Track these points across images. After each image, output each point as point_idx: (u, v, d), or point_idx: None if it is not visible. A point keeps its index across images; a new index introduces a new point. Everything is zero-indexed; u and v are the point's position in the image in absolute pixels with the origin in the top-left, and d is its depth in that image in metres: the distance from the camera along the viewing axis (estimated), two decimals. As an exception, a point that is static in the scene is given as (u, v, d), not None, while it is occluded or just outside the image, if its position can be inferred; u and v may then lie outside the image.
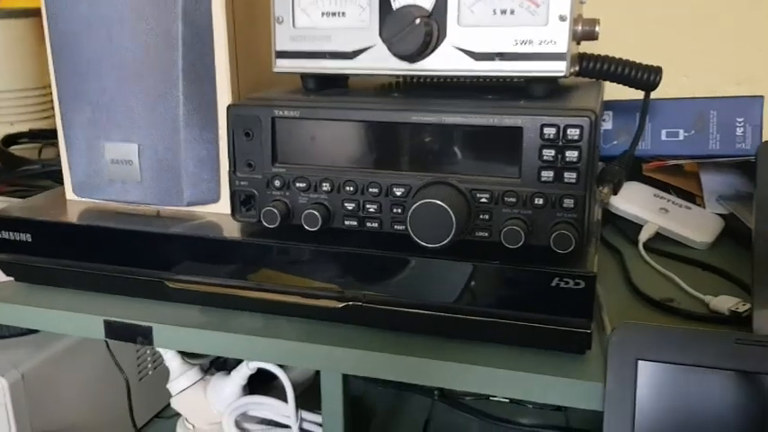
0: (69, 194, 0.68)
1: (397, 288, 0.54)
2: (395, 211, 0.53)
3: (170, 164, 0.62)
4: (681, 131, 0.77)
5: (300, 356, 0.55)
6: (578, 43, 0.57)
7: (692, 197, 0.81)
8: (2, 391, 0.71)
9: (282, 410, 0.72)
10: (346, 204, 0.54)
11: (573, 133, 0.48)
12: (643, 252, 0.71)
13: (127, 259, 0.61)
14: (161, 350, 0.79)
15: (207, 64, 0.60)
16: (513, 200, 0.50)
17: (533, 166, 0.50)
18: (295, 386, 0.71)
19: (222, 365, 0.80)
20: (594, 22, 0.55)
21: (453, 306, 0.53)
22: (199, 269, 0.59)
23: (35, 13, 0.95)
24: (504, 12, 0.52)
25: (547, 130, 0.49)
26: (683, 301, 0.61)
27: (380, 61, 0.55)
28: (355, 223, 0.55)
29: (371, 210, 0.54)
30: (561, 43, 0.52)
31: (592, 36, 0.55)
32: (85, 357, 0.82)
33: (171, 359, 0.76)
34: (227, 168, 0.57)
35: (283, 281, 0.57)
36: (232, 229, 0.59)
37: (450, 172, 0.52)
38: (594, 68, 0.60)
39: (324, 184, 0.54)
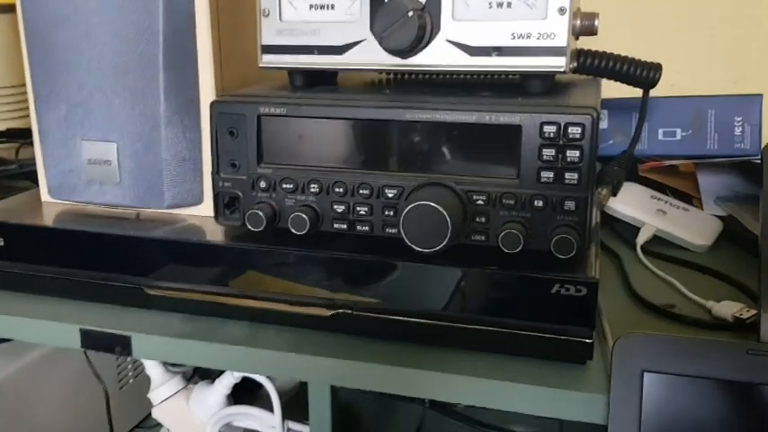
0: (45, 196, 0.67)
1: (389, 295, 0.53)
2: (386, 213, 0.52)
3: (150, 164, 0.61)
4: (678, 131, 0.77)
5: (287, 368, 0.54)
6: (577, 38, 0.56)
7: (689, 198, 0.80)
8: (-27, 401, 0.70)
9: (268, 421, 0.71)
10: (335, 207, 0.53)
11: (574, 132, 0.47)
12: (641, 255, 0.70)
13: (104, 265, 0.59)
14: (142, 358, 0.78)
15: (189, 59, 0.59)
16: (512, 202, 0.49)
17: (532, 166, 0.48)
18: (281, 394, 0.70)
19: (206, 374, 0.79)
20: (594, 15, 0.54)
21: (448, 314, 0.52)
22: (180, 275, 0.58)
23: (12, 8, 0.93)
24: (500, 4, 0.51)
25: (547, 129, 0.47)
26: (684, 307, 0.60)
27: (371, 56, 0.54)
28: (345, 226, 0.53)
29: (362, 212, 0.52)
30: (561, 37, 0.50)
31: (591, 30, 0.54)
32: (62, 366, 0.81)
33: (152, 367, 0.75)
34: (211, 169, 0.56)
35: (269, 287, 0.55)
36: (215, 233, 0.58)
37: (444, 173, 0.50)
38: (592, 65, 0.59)
39: (312, 186, 0.53)
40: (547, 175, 0.48)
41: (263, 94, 0.56)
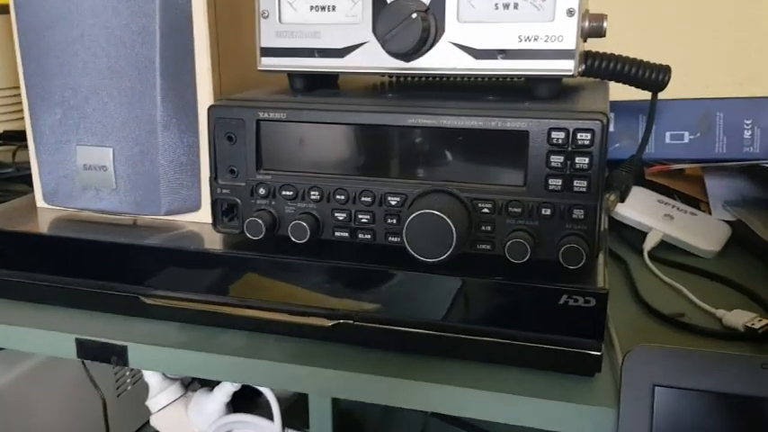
0: (40, 202, 0.66)
1: (391, 305, 0.52)
2: (389, 221, 0.51)
3: (147, 170, 0.60)
4: (686, 134, 0.76)
5: (287, 379, 0.53)
6: (585, 40, 0.54)
7: (697, 203, 0.79)
8: (-32, 410, 0.69)
9: (268, 429, 0.71)
10: (337, 214, 0.52)
11: (583, 138, 0.46)
12: (648, 261, 0.69)
13: (100, 273, 0.59)
14: (140, 365, 0.77)
15: (187, 62, 0.58)
16: (518, 210, 0.48)
17: (540, 173, 0.47)
18: (281, 401, 0.70)
19: (205, 381, 0.78)
20: (602, 17, 0.52)
21: (452, 325, 0.50)
22: (178, 284, 0.57)
23: (8, 9, 0.92)
24: (507, 6, 0.50)
25: (555, 135, 0.46)
26: (694, 316, 0.59)
27: (373, 59, 0.53)
28: (346, 234, 0.52)
29: (364, 220, 0.51)
30: (569, 40, 0.49)
31: (599, 32, 0.53)
32: (59, 373, 0.81)
33: (150, 375, 0.75)
34: (209, 175, 0.55)
35: (269, 297, 0.54)
36: (213, 241, 0.57)
37: (449, 179, 0.49)
38: (600, 67, 0.58)
39: (312, 193, 0.52)
40: (555, 182, 0.47)
41: (262, 98, 0.55)
